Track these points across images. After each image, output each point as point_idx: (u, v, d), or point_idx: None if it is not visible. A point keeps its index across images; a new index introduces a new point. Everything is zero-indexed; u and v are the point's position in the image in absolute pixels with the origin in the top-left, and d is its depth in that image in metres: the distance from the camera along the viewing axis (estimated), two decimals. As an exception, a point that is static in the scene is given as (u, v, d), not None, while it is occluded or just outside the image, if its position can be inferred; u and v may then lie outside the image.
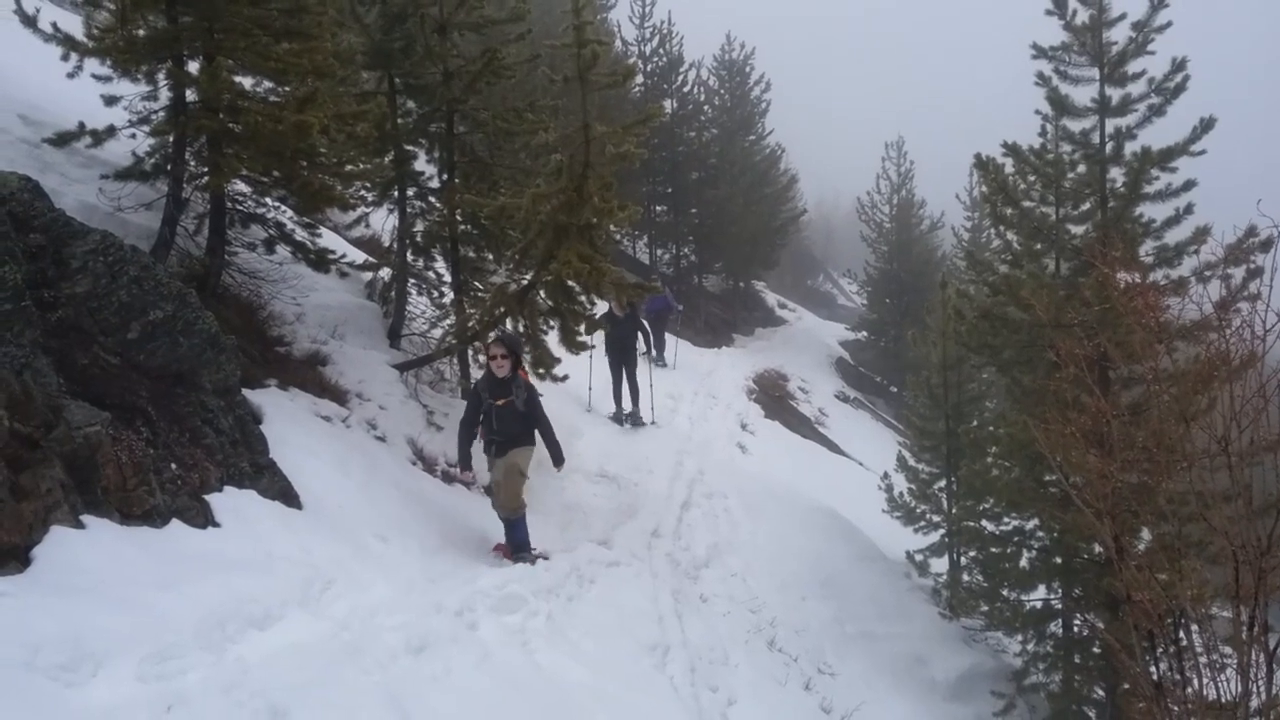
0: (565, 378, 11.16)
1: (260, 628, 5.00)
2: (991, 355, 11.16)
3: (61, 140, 8.49)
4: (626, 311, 15.43)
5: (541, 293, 10.66)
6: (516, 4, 12.28)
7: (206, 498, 6.01)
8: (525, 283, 10.69)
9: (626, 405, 15.49)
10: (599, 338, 13.93)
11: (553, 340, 10.91)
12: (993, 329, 10.94)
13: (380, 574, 6.58)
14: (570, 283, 10.44)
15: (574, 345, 10.70)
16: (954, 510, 12.98)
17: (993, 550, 11.27)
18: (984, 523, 11.52)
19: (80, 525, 4.90)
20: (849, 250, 61.08)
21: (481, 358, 11.33)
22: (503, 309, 10.75)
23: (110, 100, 8.60)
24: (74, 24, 8.85)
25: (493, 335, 9.58)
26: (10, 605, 4.03)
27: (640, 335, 15.82)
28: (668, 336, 22.33)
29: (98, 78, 8.48)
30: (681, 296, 30.17)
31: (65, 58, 8.54)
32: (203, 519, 5.80)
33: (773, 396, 23.84)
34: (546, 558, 8.82)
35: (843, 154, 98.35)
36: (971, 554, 12.19)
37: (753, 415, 20.26)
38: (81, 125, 8.51)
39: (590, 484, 11.74)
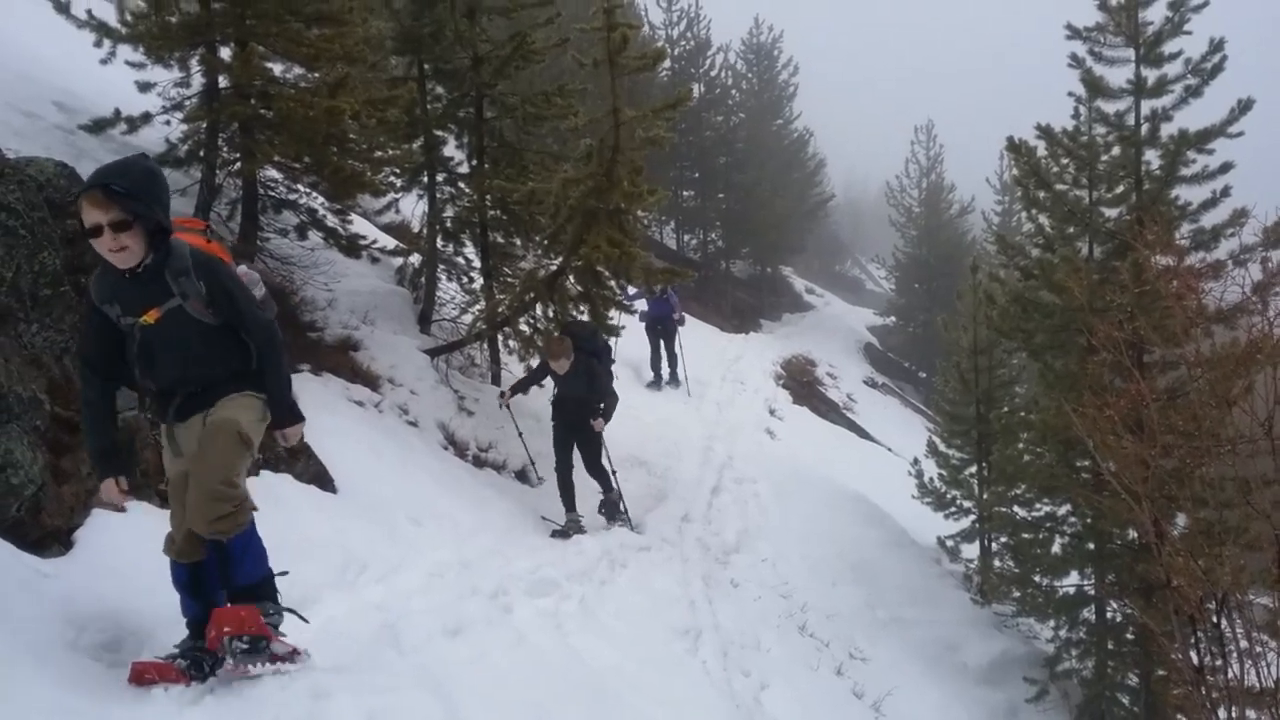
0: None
1: (297, 608, 5.02)
2: (1024, 340, 11.05)
3: (97, 127, 8.55)
4: (661, 293, 15.85)
5: (571, 278, 10.66)
6: (545, -13, 12.27)
7: (241, 482, 6.04)
8: (555, 268, 10.70)
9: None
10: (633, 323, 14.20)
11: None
12: (1025, 313, 10.83)
13: (415, 557, 6.61)
14: (600, 268, 10.44)
15: (605, 329, 10.70)
16: (985, 496, 12.89)
17: (1024, 536, 11.18)
18: (1015, 508, 11.42)
19: (121, 508, 4.94)
20: (877, 235, 60.83)
21: (512, 343, 11.37)
22: (532, 294, 10.77)
23: (144, 86, 8.67)
24: (107, 10, 8.91)
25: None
26: (55, 587, 4.08)
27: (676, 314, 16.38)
28: (680, 344, 17.47)
29: (131, 64, 8.53)
30: (703, 285, 29.84)
31: (99, 44, 8.62)
32: (241, 502, 5.83)
33: (801, 382, 23.76)
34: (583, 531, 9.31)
35: (871, 137, 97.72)
36: (1003, 540, 12.11)
37: (781, 401, 20.20)
38: (117, 112, 8.57)
39: (621, 469, 11.73)
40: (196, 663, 3.97)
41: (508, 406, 10.20)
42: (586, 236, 10.05)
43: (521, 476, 10.39)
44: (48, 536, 4.49)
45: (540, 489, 10.21)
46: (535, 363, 10.63)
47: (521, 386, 10.06)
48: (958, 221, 37.09)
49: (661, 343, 16.88)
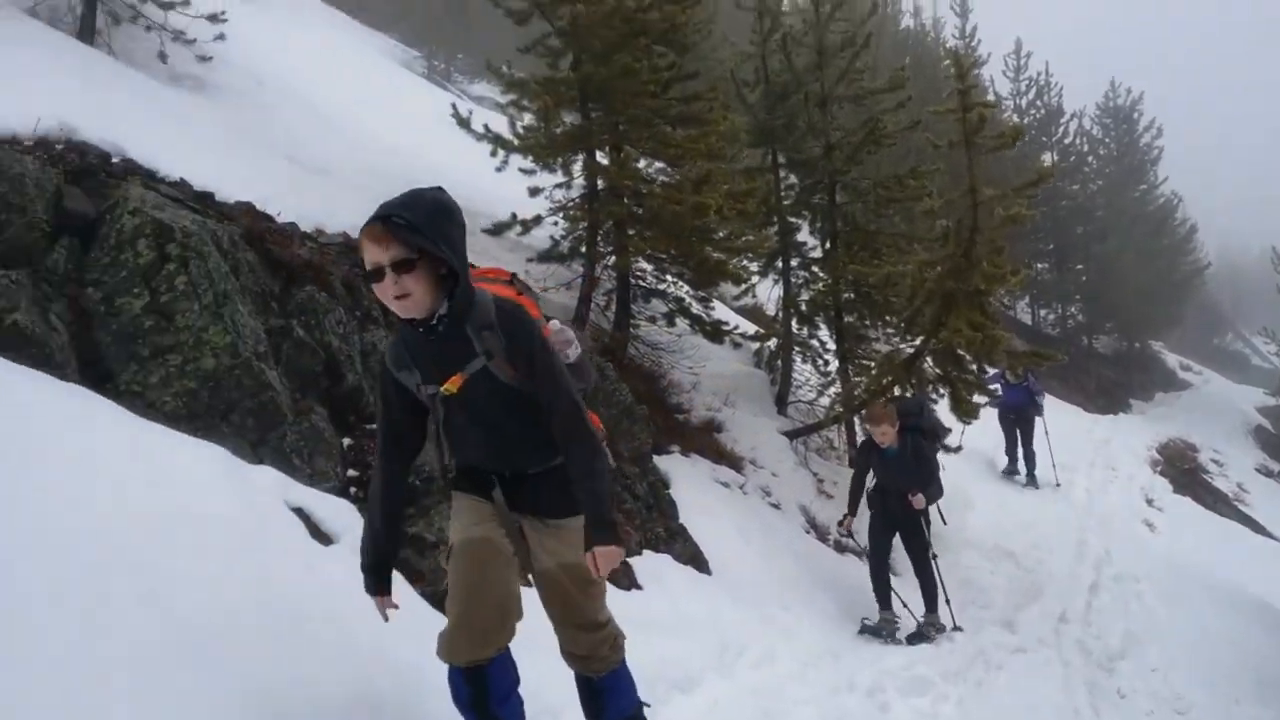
0: (959, 448, 10.80)
1: (683, 690, 5.16)
2: None
3: (497, 229, 9.48)
4: (1020, 380, 14.74)
5: (929, 360, 10.45)
6: (895, 73, 12.32)
7: (629, 560, 6.34)
8: (912, 350, 10.53)
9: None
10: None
11: (942, 409, 10.62)
12: None
13: (785, 643, 6.60)
14: (960, 351, 10.16)
15: (966, 413, 10.34)
16: None
17: None
18: None
19: (529, 583, 5.28)
20: (1264, 305, 54.78)
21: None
22: (890, 377, 10.63)
23: (534, 191, 9.51)
24: (499, 124, 9.89)
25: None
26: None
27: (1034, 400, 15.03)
28: (1040, 439, 15.50)
29: (522, 170, 9.42)
30: (1064, 363, 28.09)
31: (494, 154, 9.58)
32: (626, 581, 6.11)
33: (1180, 469, 21.69)
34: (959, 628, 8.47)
35: (1249, 200, 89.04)
36: None
37: (1159, 489, 18.50)
38: (513, 215, 9.46)
39: (986, 560, 11.18)
40: None
41: (850, 534, 9.00)
42: (945, 319, 9.83)
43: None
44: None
45: (903, 577, 9.93)
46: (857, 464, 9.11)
47: (853, 499, 8.61)
48: (1360, 287, 32.76)
49: (1019, 434, 15.10)
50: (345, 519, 4.35)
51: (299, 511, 4.21)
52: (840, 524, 8.80)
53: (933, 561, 8.47)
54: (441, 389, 3.07)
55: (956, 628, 8.46)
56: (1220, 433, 28.70)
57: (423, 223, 2.85)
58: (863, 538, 8.92)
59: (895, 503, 8.25)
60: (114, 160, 5.40)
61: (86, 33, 9.40)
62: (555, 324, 3.48)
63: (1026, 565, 11.40)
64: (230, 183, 6.06)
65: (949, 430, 9.90)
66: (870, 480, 8.55)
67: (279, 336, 5.02)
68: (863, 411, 10.27)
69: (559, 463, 3.23)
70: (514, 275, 3.47)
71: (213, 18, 10.46)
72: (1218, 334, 56.92)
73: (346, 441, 5.06)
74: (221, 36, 10.58)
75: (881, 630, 8.06)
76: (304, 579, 3.84)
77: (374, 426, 5.17)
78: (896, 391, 10.89)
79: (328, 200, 7.40)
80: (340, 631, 3.72)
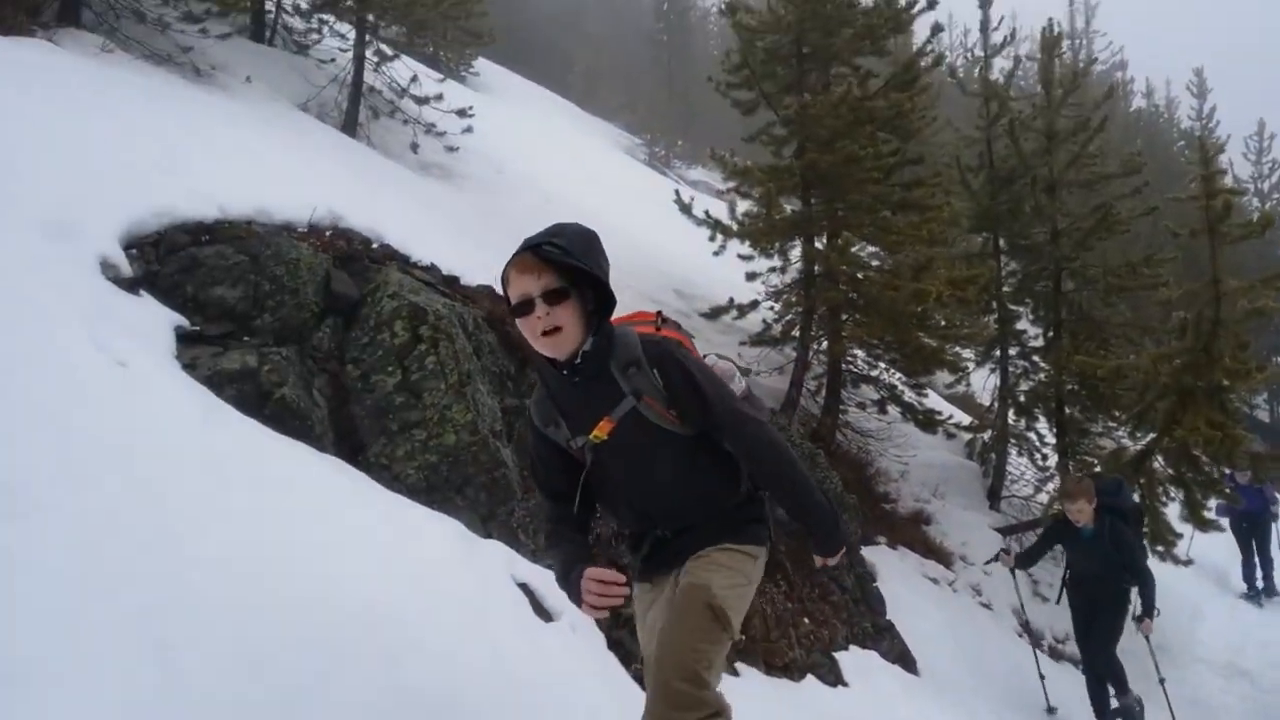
0: (1190, 562, 10.13)
1: (888, 797, 5.04)
2: None
3: (714, 313, 9.69)
4: (1255, 479, 13.44)
5: (1160, 459, 9.88)
6: (1129, 157, 11.92)
7: (835, 655, 6.25)
8: (1142, 448, 9.99)
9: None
10: None
11: (1173, 512, 10.01)
12: None
13: (997, 756, 6.34)
14: (1196, 451, 9.57)
15: (1200, 521, 9.70)
16: None
17: None
18: None
19: (735, 672, 5.32)
20: None
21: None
22: (1116, 475, 10.12)
23: (751, 276, 9.66)
24: (718, 209, 10.12)
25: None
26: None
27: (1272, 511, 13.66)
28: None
29: (741, 256, 9.59)
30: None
31: (712, 238, 9.79)
32: (833, 677, 6.04)
33: None
34: None
35: None
36: None
37: None
38: (731, 300, 9.64)
39: (1218, 678, 10.36)
40: None
41: (1012, 571, 8.16)
42: (1180, 416, 9.34)
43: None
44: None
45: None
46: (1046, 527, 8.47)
47: (1028, 556, 8.01)
48: None
49: (1254, 544, 13.42)
50: (564, 595, 4.50)
51: (524, 587, 4.38)
52: (1002, 554, 8.16)
53: (1162, 687, 7.59)
54: (590, 436, 2.78)
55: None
56: None
57: (577, 249, 2.67)
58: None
59: (1095, 593, 7.28)
60: (374, 245, 5.87)
61: (350, 126, 10.33)
62: (713, 358, 3.14)
63: (1263, 686, 10.50)
64: (473, 266, 6.45)
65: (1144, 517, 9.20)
66: (1059, 568, 7.90)
67: (513, 415, 5.28)
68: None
69: (726, 509, 2.89)
70: (659, 313, 3.03)
71: (461, 112, 11.34)
72: None
73: (584, 518, 5.25)
74: (469, 129, 11.43)
75: None
76: (528, 654, 4.00)
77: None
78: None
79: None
80: (560, 705, 3.84)
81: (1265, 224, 10.27)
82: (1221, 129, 31.67)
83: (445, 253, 6.35)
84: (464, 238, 7.68)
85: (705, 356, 3.07)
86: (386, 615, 3.52)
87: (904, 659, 6.93)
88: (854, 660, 6.31)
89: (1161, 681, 7.63)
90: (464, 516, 4.59)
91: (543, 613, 4.33)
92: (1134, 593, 7.21)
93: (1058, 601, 7.91)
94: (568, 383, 2.78)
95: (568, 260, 2.65)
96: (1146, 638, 7.24)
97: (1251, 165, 31.95)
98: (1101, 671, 7.38)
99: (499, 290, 5.97)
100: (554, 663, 4.04)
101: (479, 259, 6.57)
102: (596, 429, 2.76)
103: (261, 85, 9.42)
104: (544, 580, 4.48)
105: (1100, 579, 7.15)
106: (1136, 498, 10.14)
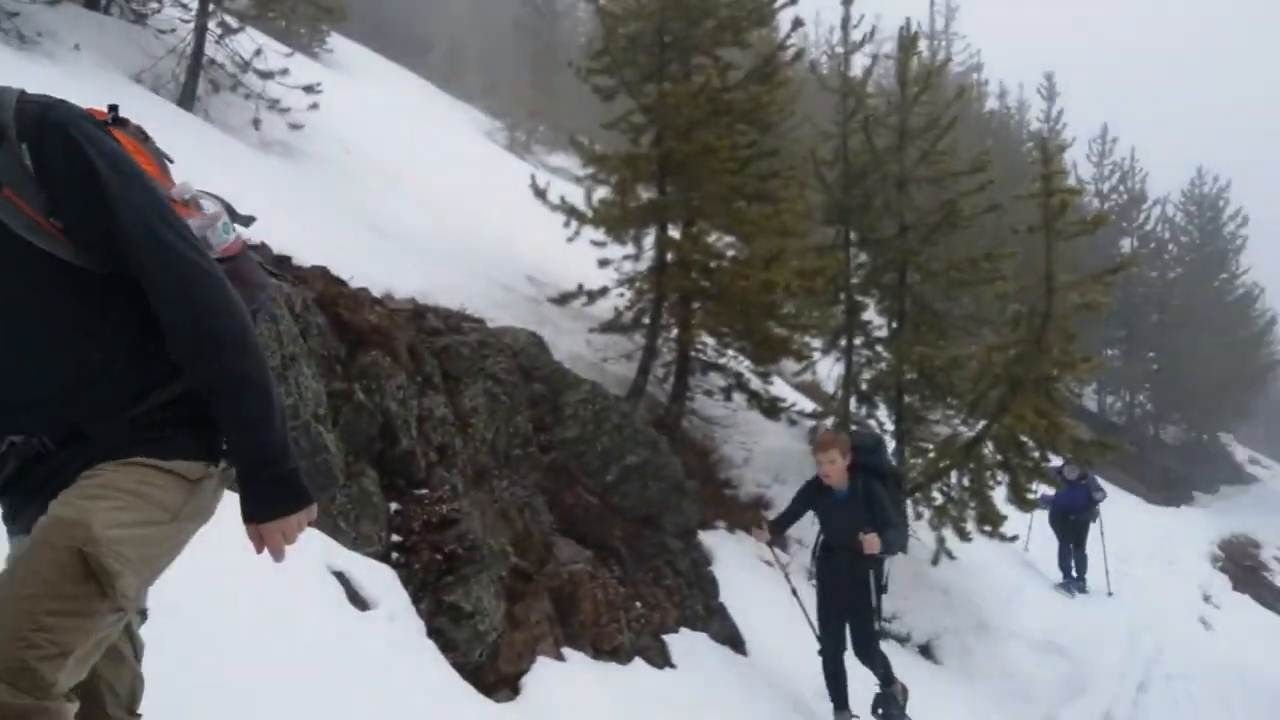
0: (1015, 538, 10.70)
1: (708, 777, 5.22)
2: None
3: (563, 299, 9.74)
4: (1081, 475, 14.11)
5: (990, 446, 10.39)
6: (978, 156, 12.38)
7: (665, 638, 6.43)
8: (974, 435, 10.49)
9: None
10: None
11: (999, 496, 10.56)
12: None
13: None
14: (1024, 438, 10.11)
15: (1024, 503, 10.29)
16: None
17: None
18: None
19: (561, 657, 5.43)
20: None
21: (923, 509, 11.16)
22: (948, 461, 10.61)
23: (603, 263, 9.74)
24: (575, 195, 10.15)
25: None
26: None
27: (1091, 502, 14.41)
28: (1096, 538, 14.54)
29: (594, 243, 9.65)
30: (1125, 460, 27.29)
31: (567, 224, 9.83)
32: (661, 659, 6.21)
33: (1242, 566, 21.19)
34: None
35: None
36: None
37: (1218, 586, 18.09)
38: (580, 286, 9.71)
39: (1033, 653, 11.00)
40: None
41: (770, 545, 7.23)
42: (1011, 404, 9.82)
43: (926, 651, 10.07)
44: (500, 681, 5.01)
45: (946, 666, 9.84)
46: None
47: (780, 523, 7.01)
48: None
49: (1072, 541, 13.96)
50: (384, 584, 4.51)
51: (340, 576, 4.37)
52: (753, 531, 7.29)
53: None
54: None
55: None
56: (1286, 529, 27.89)
57: None
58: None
59: (845, 568, 6.50)
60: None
61: (187, 99, 9.95)
62: (192, 189, 2.05)
63: (1074, 659, 11.20)
64: (308, 246, 6.35)
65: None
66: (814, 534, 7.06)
67: (340, 399, 5.22)
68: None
69: (146, 399, 1.85)
70: (114, 110, 1.96)
71: (309, 88, 11.02)
72: (1290, 427, 55.15)
73: (394, 506, 5.23)
74: (315, 106, 11.10)
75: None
76: (341, 644, 4.00)
77: (422, 492, 5.37)
78: (954, 476, 10.82)
79: (399, 265, 7.71)
80: (372, 694, 3.85)
81: (1097, 222, 10.89)
82: (1068, 132, 33.29)
83: (279, 232, 6.21)
84: (302, 217, 7.54)
85: (192, 191, 2.05)
86: (190, 613, 3.46)
87: (733, 640, 7.16)
88: (683, 642, 6.49)
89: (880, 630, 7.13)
90: (280, 504, 4.53)
91: (359, 601, 4.34)
92: (888, 564, 6.71)
93: (811, 580, 7.27)
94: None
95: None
96: (862, 548, 6.15)
97: (1094, 167, 33.61)
98: (859, 655, 6.65)
99: (335, 272, 5.88)
100: (368, 652, 4.06)
101: (316, 239, 6.48)
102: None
103: (91, 54, 9.00)
104: (363, 569, 4.49)
105: (853, 549, 6.28)
106: (967, 481, 10.68)
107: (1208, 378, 30.78)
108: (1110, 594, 14.34)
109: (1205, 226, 34.79)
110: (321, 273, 6.16)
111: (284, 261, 6.06)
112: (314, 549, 4.45)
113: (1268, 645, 15.51)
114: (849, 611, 6.55)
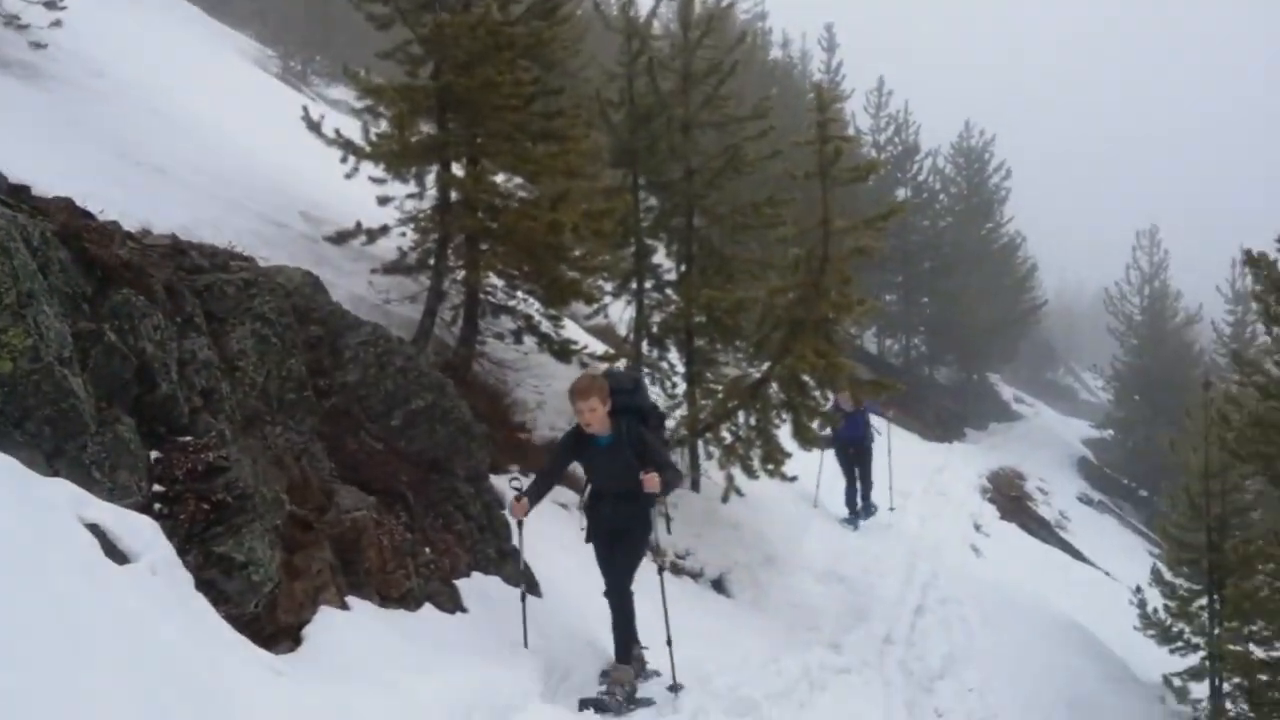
0: (795, 478, 11.06)
1: (502, 718, 5.12)
2: (1263, 465, 10.25)
3: (340, 238, 9.29)
4: (859, 408, 14.76)
5: (775, 386, 10.67)
6: (760, 102, 12.58)
7: (456, 583, 6.27)
8: (759, 376, 10.74)
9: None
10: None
11: (784, 434, 10.87)
12: (1265, 436, 10.06)
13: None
14: (805, 377, 10.41)
15: (807, 440, 10.62)
16: (1217, 632, 11.89)
17: (1261, 678, 10.25)
18: (1252, 647, 10.52)
19: (345, 606, 5.19)
20: (1093, 342, 58.36)
21: (713, 449, 11.37)
22: (735, 401, 10.83)
23: (383, 200, 9.34)
24: (354, 129, 9.69)
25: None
26: (285, 684, 4.29)
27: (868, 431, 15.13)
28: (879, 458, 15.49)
29: (373, 179, 9.23)
30: (905, 392, 28.97)
31: (344, 160, 9.37)
32: (452, 604, 6.05)
33: (1008, 496, 22.81)
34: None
35: (1086, 242, 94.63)
36: (1236, 680, 11.12)
37: (987, 516, 19.42)
38: (358, 224, 9.29)
39: (819, 584, 11.47)
40: None
41: (519, 524, 6.41)
42: (792, 345, 10.07)
43: (718, 586, 10.31)
44: (280, 632, 4.74)
45: (738, 599, 10.10)
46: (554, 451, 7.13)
47: (540, 488, 6.49)
48: (1183, 331, 35.13)
49: (856, 469, 14.70)
50: (145, 536, 4.16)
51: (94, 528, 4.00)
52: (516, 500, 6.25)
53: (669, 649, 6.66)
54: None
55: (676, 685, 6.62)
56: (1047, 462, 30.25)
57: None
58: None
59: (614, 517, 6.42)
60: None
61: (-94, 12, 8.84)
62: None
63: (857, 588, 11.74)
64: (51, 176, 5.76)
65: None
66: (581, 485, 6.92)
67: (88, 341, 4.75)
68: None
69: None
70: None
71: (49, 4, 9.97)
72: (1050, 368, 59.95)
73: (154, 454, 4.84)
74: (58, 23, 10.10)
75: (610, 699, 6.13)
76: (95, 599, 3.66)
77: (186, 439, 4.99)
78: (741, 417, 11.06)
79: (158, 199, 7.13)
80: (130, 648, 3.55)
81: (869, 169, 11.31)
82: (847, 83, 34.59)
83: (18, 160, 5.61)
84: (43, 144, 6.85)
85: None
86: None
87: (528, 583, 7.06)
88: (474, 586, 6.35)
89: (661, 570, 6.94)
90: (24, 454, 4.09)
91: (116, 555, 3.97)
92: (655, 513, 6.62)
93: (586, 538, 6.79)
94: None
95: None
96: (637, 489, 6.09)
97: (871, 119, 35.06)
98: (610, 595, 6.50)
99: (81, 204, 5.34)
100: (127, 606, 3.73)
101: (62, 168, 5.89)
102: None
103: None
104: (121, 521, 4.12)
105: (621, 496, 6.28)
106: (753, 421, 10.94)
107: (977, 321, 32.86)
108: (892, 508, 15.23)
109: (973, 178, 36.91)
110: (66, 204, 5.57)
111: (21, 191, 5.46)
112: (63, 500, 4.05)
113: (1030, 568, 16.82)
114: (619, 554, 6.46)
